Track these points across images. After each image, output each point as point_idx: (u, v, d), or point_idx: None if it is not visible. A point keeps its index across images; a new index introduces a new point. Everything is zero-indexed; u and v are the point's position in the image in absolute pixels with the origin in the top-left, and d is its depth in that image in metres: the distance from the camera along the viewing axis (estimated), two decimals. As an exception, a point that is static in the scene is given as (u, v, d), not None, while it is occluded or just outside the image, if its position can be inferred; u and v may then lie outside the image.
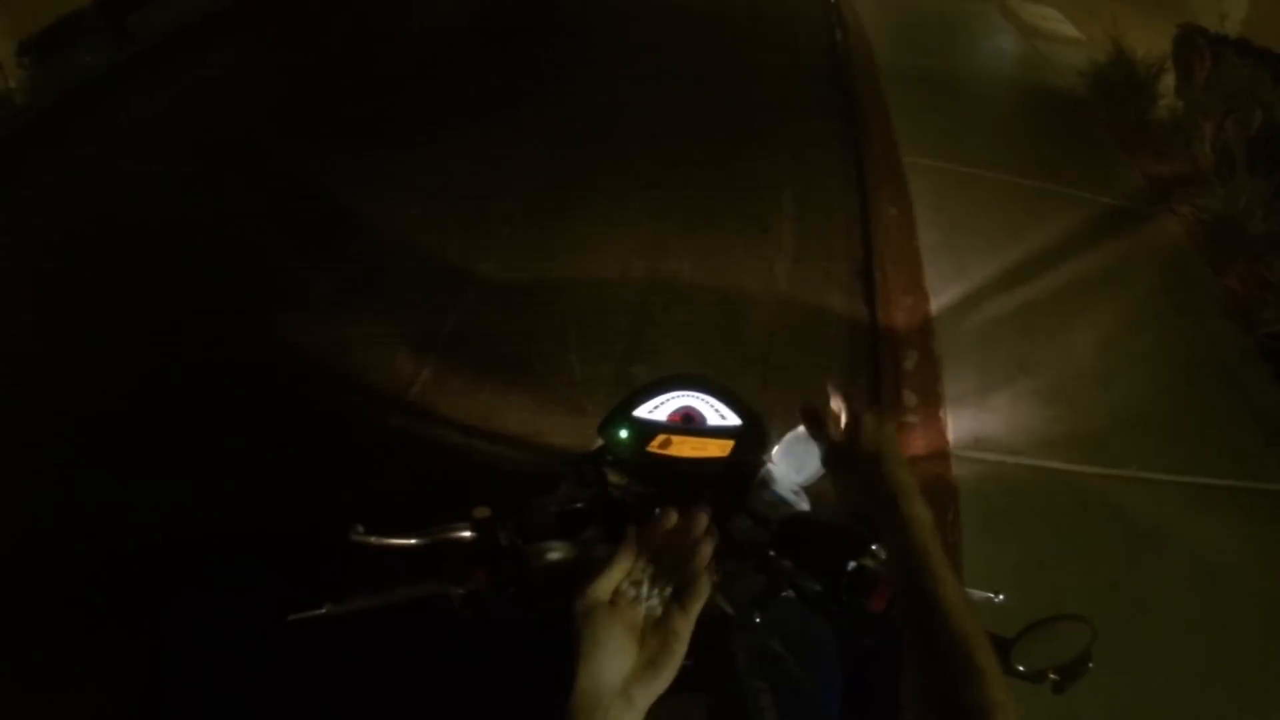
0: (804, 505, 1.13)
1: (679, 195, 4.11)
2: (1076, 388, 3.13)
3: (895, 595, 0.90)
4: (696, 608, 0.77)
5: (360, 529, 0.98)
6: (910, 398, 2.90)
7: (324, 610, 0.96)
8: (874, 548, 0.94)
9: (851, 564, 0.93)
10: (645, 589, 0.77)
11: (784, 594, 1.25)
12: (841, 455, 1.01)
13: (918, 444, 2.75)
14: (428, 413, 2.80)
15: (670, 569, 0.79)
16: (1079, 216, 4.31)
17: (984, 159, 4.69)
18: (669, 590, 0.78)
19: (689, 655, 0.99)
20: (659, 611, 0.76)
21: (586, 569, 1.04)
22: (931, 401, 2.90)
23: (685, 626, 0.76)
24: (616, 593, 0.76)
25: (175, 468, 2.53)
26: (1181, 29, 6.07)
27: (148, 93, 4.70)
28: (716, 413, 1.17)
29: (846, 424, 1.01)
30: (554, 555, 1.02)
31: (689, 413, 1.17)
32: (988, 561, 2.38)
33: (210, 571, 2.21)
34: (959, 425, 2.83)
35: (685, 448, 1.12)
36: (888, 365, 3.09)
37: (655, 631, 0.75)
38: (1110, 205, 4.53)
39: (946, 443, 2.76)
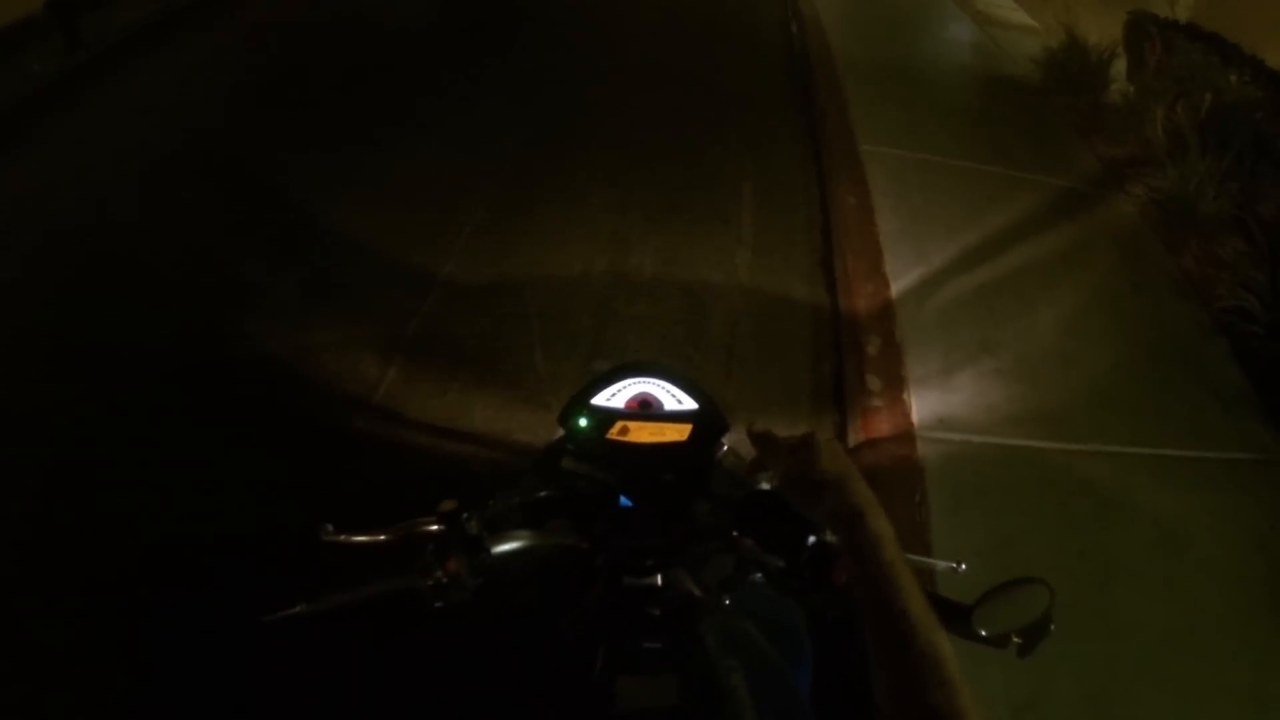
0: (764, 484, 1.15)
1: (640, 191, 4.12)
2: (1038, 366, 3.18)
3: (855, 570, 0.92)
4: None
5: (329, 528, 0.99)
6: (874, 382, 2.93)
7: (298, 609, 0.96)
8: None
9: (811, 539, 0.96)
10: None
11: (752, 576, 1.27)
12: (797, 479, 1.00)
13: (883, 427, 2.78)
14: (395, 414, 2.78)
15: None
16: (1036, 200, 4.40)
17: (941, 146, 4.76)
18: None
19: (658, 638, 1.01)
20: None
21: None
22: (895, 385, 2.93)
23: None
24: None
25: (140, 474, 2.49)
26: (1132, 15, 6.22)
27: (102, 98, 4.60)
28: (673, 398, 1.19)
29: (797, 447, 0.99)
30: (520, 544, 1.03)
31: (646, 399, 1.19)
32: (957, 538, 2.41)
33: (182, 573, 2.20)
34: (923, 407, 2.87)
35: (644, 433, 1.14)
36: (850, 352, 3.12)
37: None
38: (1066, 188, 4.62)
39: (912, 424, 2.79)
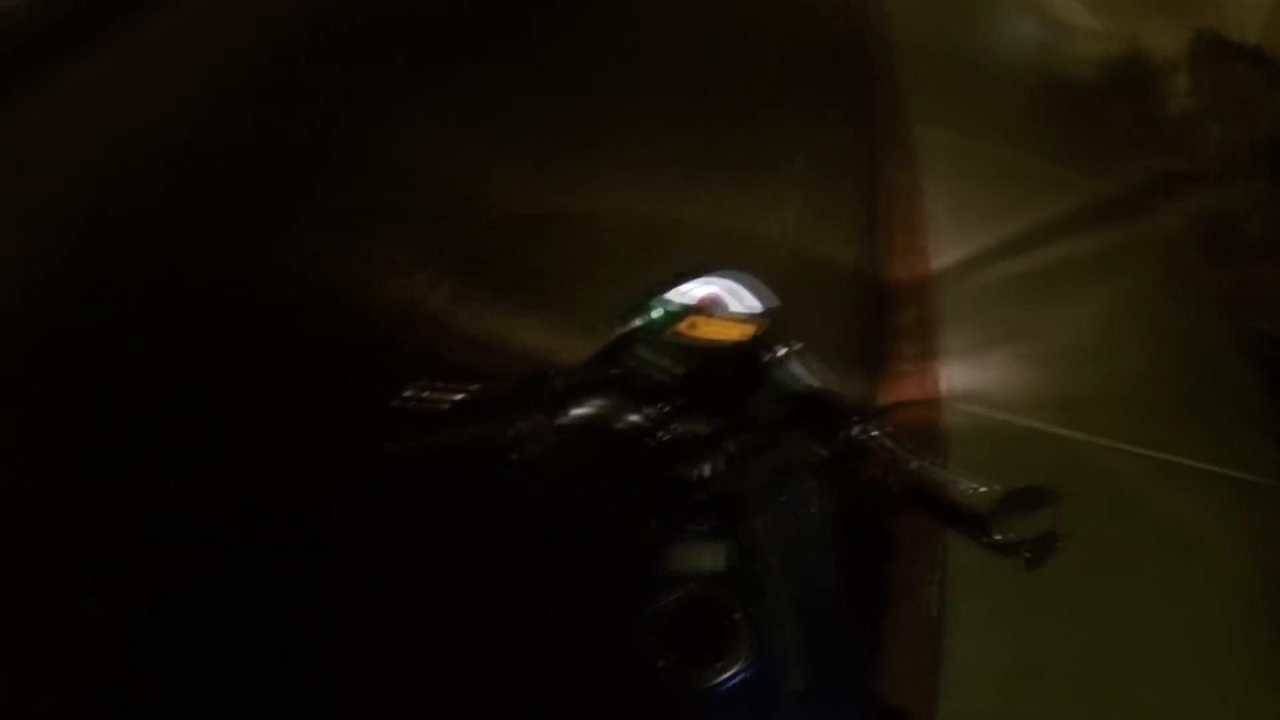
0: (814, 383, 1.23)
1: (696, 141, 4.17)
2: (1067, 357, 3.23)
3: (892, 461, 1.01)
4: None
5: (413, 387, 1.08)
6: (908, 349, 3.01)
7: (388, 447, 1.05)
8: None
9: (855, 428, 1.04)
10: None
11: (791, 484, 1.36)
12: None
13: (914, 392, 2.86)
14: (440, 329, 2.87)
15: None
16: (1082, 201, 4.39)
17: (994, 137, 4.76)
18: None
19: (703, 523, 1.10)
20: None
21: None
22: (927, 354, 3.01)
23: None
24: None
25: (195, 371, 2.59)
26: (1199, 32, 6.17)
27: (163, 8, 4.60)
28: (740, 300, 1.27)
29: None
30: (593, 411, 1.13)
31: (716, 298, 1.26)
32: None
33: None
34: (953, 379, 2.94)
35: (710, 329, 1.21)
36: (887, 318, 3.20)
37: None
38: (1114, 194, 4.62)
39: (940, 394, 2.87)
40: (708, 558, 1.03)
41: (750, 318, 1.23)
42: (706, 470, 1.19)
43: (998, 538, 0.94)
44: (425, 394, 1.09)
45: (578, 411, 1.11)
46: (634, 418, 1.17)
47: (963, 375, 2.97)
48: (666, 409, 1.17)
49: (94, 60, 3.99)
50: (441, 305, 2.95)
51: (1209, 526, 2.74)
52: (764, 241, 3.58)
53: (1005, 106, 5.44)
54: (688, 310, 1.23)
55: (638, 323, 1.26)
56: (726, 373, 1.21)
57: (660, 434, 1.16)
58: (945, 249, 3.62)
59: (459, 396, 1.11)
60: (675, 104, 4.54)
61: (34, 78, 3.71)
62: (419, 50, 4.54)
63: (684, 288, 1.28)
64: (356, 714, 1.85)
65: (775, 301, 1.27)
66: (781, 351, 1.23)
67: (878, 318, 3.25)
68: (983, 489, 1.02)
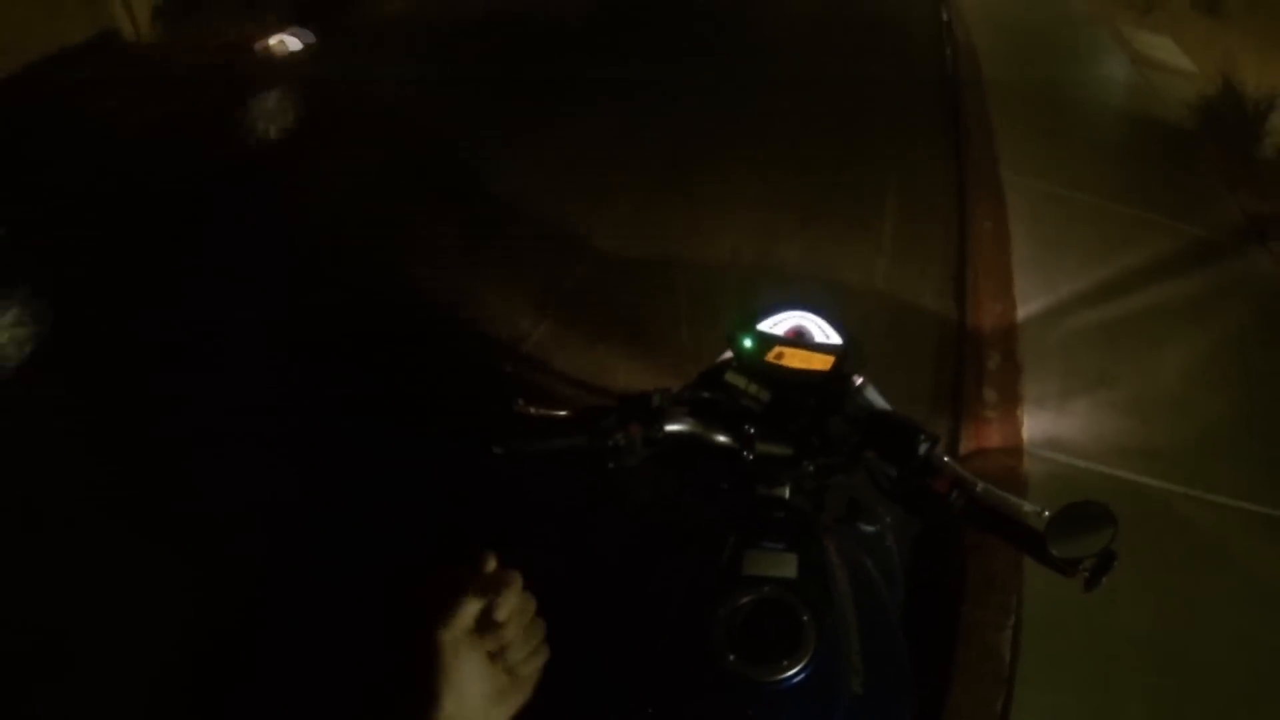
0: (886, 407, 1.29)
1: (788, 189, 4.27)
2: (1153, 406, 3.20)
3: (956, 481, 1.07)
4: (540, 660, 0.81)
5: (520, 401, 1.16)
6: (991, 395, 3.03)
7: (496, 450, 1.13)
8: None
9: (923, 448, 1.10)
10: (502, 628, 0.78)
11: (865, 511, 1.46)
12: None
13: (994, 438, 2.89)
14: (542, 364, 2.99)
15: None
16: (1173, 246, 4.33)
17: (1083, 182, 4.73)
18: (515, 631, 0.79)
19: (779, 541, 1.18)
20: (512, 654, 0.78)
21: (706, 438, 1.24)
22: (1011, 400, 3.03)
23: (531, 671, 0.80)
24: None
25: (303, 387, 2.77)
26: (1297, 71, 5.96)
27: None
28: (823, 332, 1.38)
29: None
30: (687, 429, 1.21)
31: (801, 329, 1.38)
32: (1049, 552, 2.50)
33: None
34: (1035, 425, 2.95)
35: (795, 359, 1.30)
36: (972, 363, 3.23)
37: (506, 665, 0.78)
38: (1206, 238, 4.53)
39: (1021, 440, 2.89)
40: (781, 566, 1.10)
41: (831, 348, 1.33)
42: (785, 491, 1.28)
43: (1055, 553, 0.94)
44: (531, 409, 1.16)
45: (672, 428, 1.16)
46: (723, 438, 1.25)
47: (1045, 422, 2.99)
48: (752, 431, 1.23)
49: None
50: (545, 340, 3.10)
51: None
52: (853, 286, 3.66)
53: (1095, 149, 5.38)
54: (776, 340, 1.34)
55: (729, 353, 1.39)
56: (808, 399, 1.29)
57: (746, 454, 1.23)
58: (1032, 295, 3.62)
59: (563, 413, 1.19)
60: (775, 149, 4.67)
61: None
62: (532, 92, 4.78)
63: (773, 319, 1.40)
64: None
65: (853, 333, 1.38)
66: (858, 380, 1.31)
67: (962, 363, 3.28)
68: (1045, 512, 1.00)
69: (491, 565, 0.79)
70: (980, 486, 1.07)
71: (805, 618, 1.02)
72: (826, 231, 4.00)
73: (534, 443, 1.15)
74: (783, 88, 5.37)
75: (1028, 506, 1.03)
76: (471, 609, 0.74)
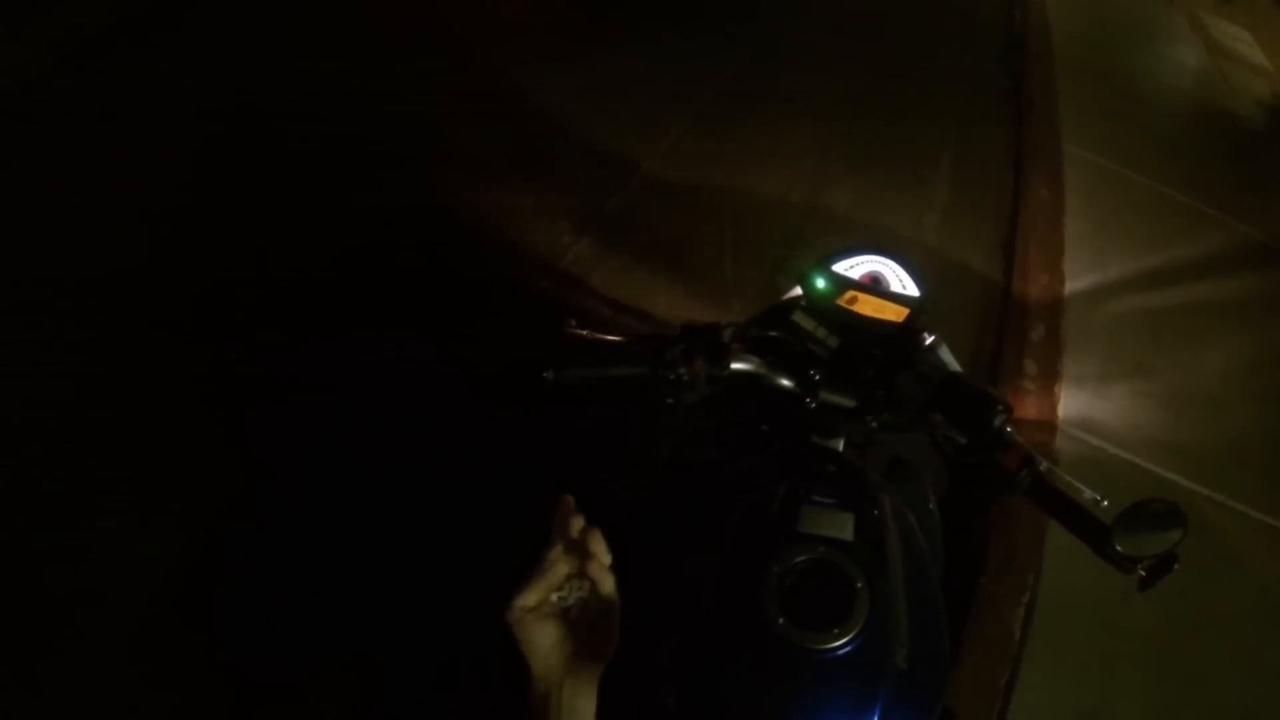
0: (960, 371, 1.20)
1: (845, 134, 4.07)
2: (1190, 403, 3.08)
3: (1026, 458, 0.97)
4: (615, 612, 0.83)
5: (573, 322, 1.06)
6: (1031, 367, 2.92)
7: (547, 374, 1.03)
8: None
9: (998, 421, 1.00)
10: (567, 590, 0.83)
11: (910, 477, 1.35)
12: None
13: (1030, 411, 2.78)
14: (578, 282, 2.88)
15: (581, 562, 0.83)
16: (1228, 245, 4.14)
17: (1145, 166, 4.50)
18: (586, 586, 0.83)
19: (830, 495, 1.09)
20: (583, 602, 0.82)
21: (769, 383, 1.13)
22: (1050, 375, 2.91)
23: (613, 612, 0.83)
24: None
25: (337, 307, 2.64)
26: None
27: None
28: (900, 281, 1.26)
29: None
30: (751, 368, 1.12)
31: (878, 276, 1.26)
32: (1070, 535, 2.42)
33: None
34: (1071, 404, 2.84)
35: (868, 307, 1.21)
36: (1014, 332, 3.10)
37: (585, 616, 0.82)
38: (1263, 241, 4.33)
39: (1056, 416, 2.78)
40: (838, 526, 1.01)
41: (906, 300, 1.23)
42: (840, 444, 1.20)
43: (1119, 549, 0.89)
44: (584, 332, 1.07)
45: (737, 366, 1.08)
46: (786, 381, 1.16)
47: (1082, 402, 2.87)
48: (818, 378, 1.15)
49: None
50: (581, 259, 2.97)
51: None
52: (903, 239, 3.50)
53: (1160, 134, 5.14)
54: (851, 285, 1.23)
55: (798, 290, 1.26)
56: (878, 350, 1.19)
57: (808, 400, 1.15)
58: (1081, 273, 3.47)
59: (618, 338, 1.10)
60: (834, 93, 4.44)
61: None
62: (587, 8, 4.51)
63: (849, 261, 1.28)
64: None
65: (930, 289, 1.26)
66: (931, 338, 1.21)
67: (1005, 330, 3.15)
68: (1104, 501, 0.98)
69: (578, 527, 0.82)
70: (1045, 466, 0.98)
71: (859, 584, 0.96)
72: (879, 180, 3.82)
73: (589, 369, 1.05)
74: (846, 35, 5.08)
75: (1088, 493, 0.98)
76: (536, 592, 0.80)
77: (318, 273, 2.70)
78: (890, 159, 4.01)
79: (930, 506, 1.45)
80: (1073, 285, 3.39)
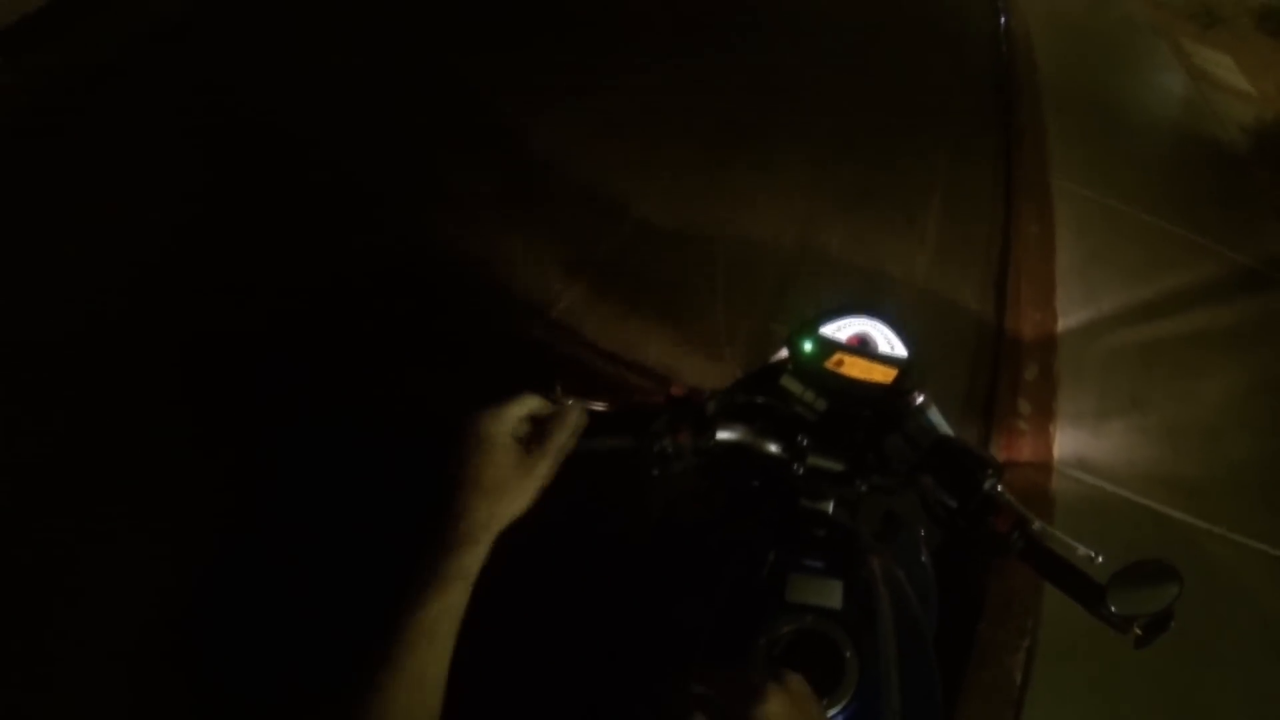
0: (949, 433, 1.18)
1: (833, 174, 4.08)
2: (1186, 436, 3.07)
3: (1018, 520, 0.95)
4: (558, 450, 0.86)
5: (559, 389, 1.04)
6: (1025, 406, 2.90)
7: None
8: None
9: (988, 485, 0.98)
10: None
11: (905, 531, 1.33)
12: None
13: (1025, 451, 2.76)
14: (570, 331, 2.83)
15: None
16: (1219, 274, 4.15)
17: (1133, 196, 4.52)
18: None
19: (820, 559, 1.07)
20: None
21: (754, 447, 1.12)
22: (1044, 414, 2.89)
23: (547, 468, 0.84)
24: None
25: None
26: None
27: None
28: (888, 342, 1.24)
29: None
30: (738, 437, 1.11)
31: (865, 337, 1.24)
32: (1070, 574, 2.40)
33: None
34: (1066, 443, 2.83)
35: (856, 369, 1.17)
36: (1008, 371, 3.08)
37: (520, 465, 0.82)
38: (1251, 268, 4.33)
39: (1051, 456, 2.76)
40: (825, 594, 1.00)
41: (894, 361, 1.20)
42: (830, 507, 1.18)
43: (1113, 609, 0.87)
44: (570, 401, 1.00)
45: (723, 436, 1.09)
46: (773, 448, 1.15)
47: (1077, 441, 2.85)
48: (805, 443, 1.14)
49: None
50: (572, 307, 2.93)
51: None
52: (894, 280, 3.50)
53: (1147, 163, 5.16)
54: (838, 347, 1.22)
55: (784, 353, 1.25)
56: (866, 412, 1.18)
57: (796, 466, 1.14)
58: (1073, 308, 3.46)
59: (602, 406, 1.05)
60: (824, 129, 4.45)
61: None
62: (576, 49, 4.50)
63: (836, 323, 1.27)
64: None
65: (917, 347, 1.24)
66: (920, 398, 1.19)
67: (999, 370, 3.13)
68: (1099, 558, 0.95)
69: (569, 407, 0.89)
70: (1038, 526, 0.96)
71: (848, 653, 0.94)
72: (869, 221, 3.82)
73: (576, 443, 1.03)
74: (834, 73, 5.10)
75: (1082, 550, 0.95)
76: (511, 414, 0.84)
77: (308, 307, 2.66)
78: (880, 198, 4.01)
79: (923, 559, 1.43)
80: (1065, 321, 3.38)
